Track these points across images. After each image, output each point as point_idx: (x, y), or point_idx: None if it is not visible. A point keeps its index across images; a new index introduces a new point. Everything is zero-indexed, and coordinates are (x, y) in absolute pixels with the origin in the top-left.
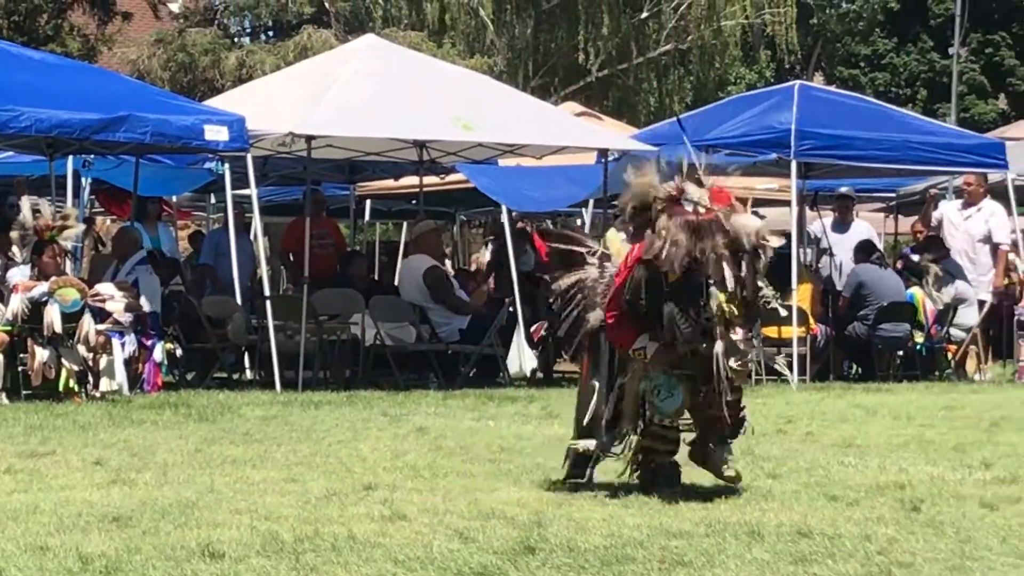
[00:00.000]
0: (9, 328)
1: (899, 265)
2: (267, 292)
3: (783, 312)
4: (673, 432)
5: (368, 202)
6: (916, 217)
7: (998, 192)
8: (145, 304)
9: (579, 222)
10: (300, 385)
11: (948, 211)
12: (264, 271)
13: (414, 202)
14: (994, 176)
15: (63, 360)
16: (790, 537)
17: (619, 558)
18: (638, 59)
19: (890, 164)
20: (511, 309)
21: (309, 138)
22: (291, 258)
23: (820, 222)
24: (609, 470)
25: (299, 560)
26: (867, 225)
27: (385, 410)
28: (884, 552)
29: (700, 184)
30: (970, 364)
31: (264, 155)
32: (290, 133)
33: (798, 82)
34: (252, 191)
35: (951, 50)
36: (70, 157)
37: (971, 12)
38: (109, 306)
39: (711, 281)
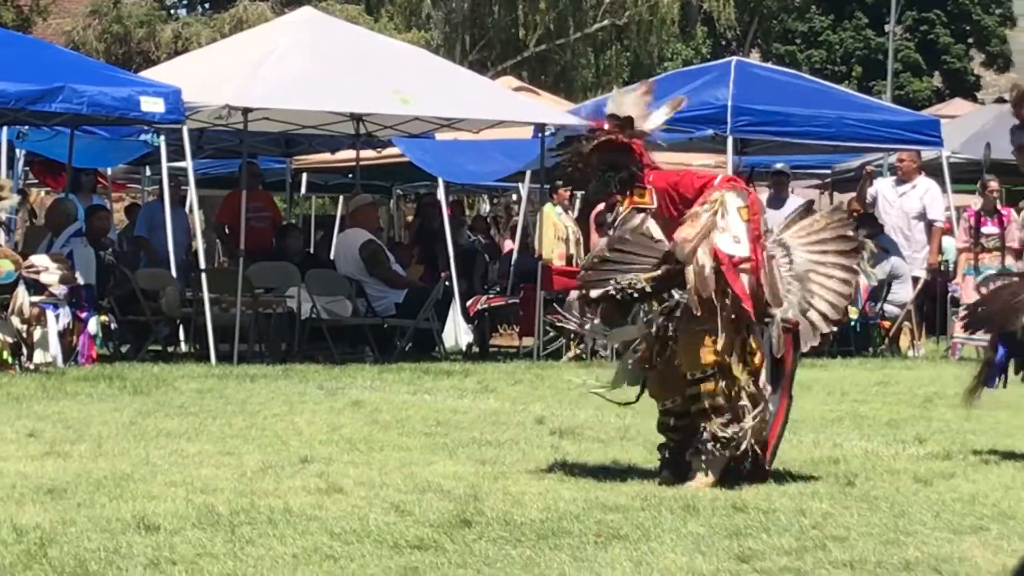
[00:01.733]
0: None
1: None
2: (202, 265)
3: None
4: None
5: (304, 175)
6: (852, 194)
7: (933, 169)
8: (79, 277)
9: (515, 197)
10: (235, 358)
11: (883, 188)
12: (200, 244)
13: (351, 176)
14: (929, 153)
15: None
16: (725, 511)
17: (555, 531)
18: (575, 34)
19: (826, 141)
20: (447, 283)
21: (245, 111)
22: (227, 231)
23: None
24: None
25: (235, 533)
26: (803, 201)
27: (321, 383)
28: (819, 526)
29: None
30: (904, 340)
31: (200, 127)
32: (226, 106)
33: (734, 58)
34: (188, 163)
35: (886, 27)
36: (4, 128)
37: None
38: (43, 278)
39: None
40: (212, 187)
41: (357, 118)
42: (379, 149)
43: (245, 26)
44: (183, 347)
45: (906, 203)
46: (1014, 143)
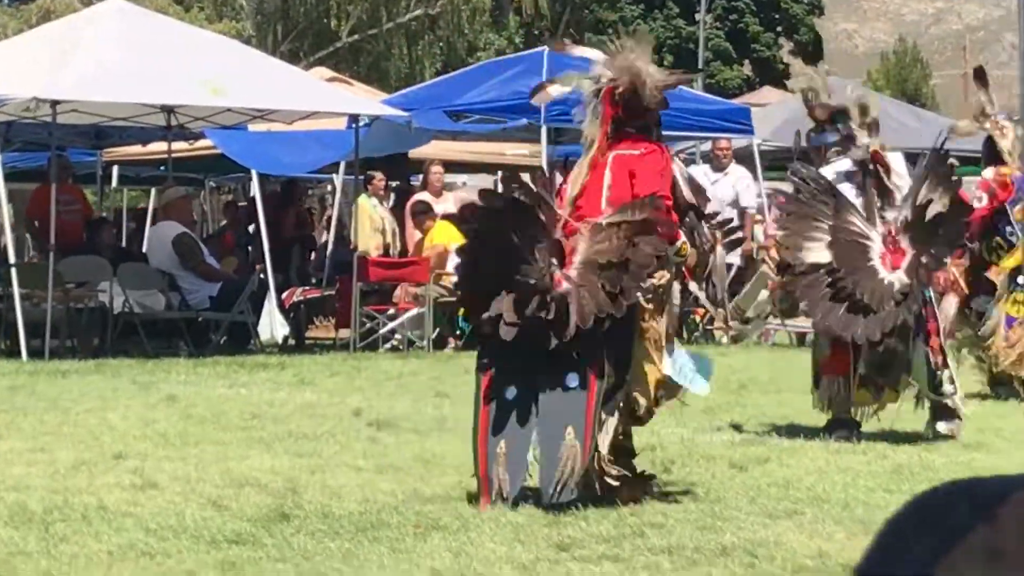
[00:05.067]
0: None
1: None
2: (12, 260)
3: None
4: None
5: (115, 168)
6: None
7: (744, 157)
8: None
9: (330, 188)
10: (47, 354)
11: (696, 176)
12: (8, 238)
13: (163, 168)
14: (740, 141)
15: None
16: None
17: (374, 524)
18: (388, 24)
19: None
20: (262, 276)
21: (54, 103)
22: (36, 225)
23: None
24: None
25: (48, 530)
26: None
27: (134, 378)
28: (636, 513)
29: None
30: (718, 326)
31: (7, 120)
32: (34, 98)
33: (547, 48)
34: None
35: (697, 16)
36: None
37: None
38: None
39: None
40: (21, 181)
41: (168, 110)
42: (191, 141)
43: (53, 17)
44: None
45: (719, 190)
46: (812, 144)
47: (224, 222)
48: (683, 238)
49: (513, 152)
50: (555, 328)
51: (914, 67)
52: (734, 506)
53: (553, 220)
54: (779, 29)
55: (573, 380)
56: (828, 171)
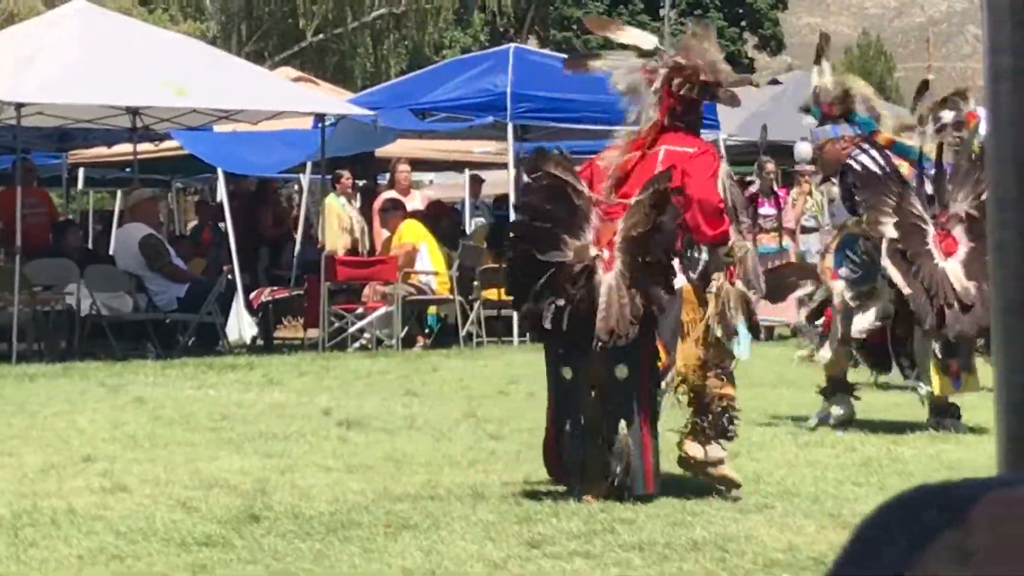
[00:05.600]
0: None
1: None
2: None
3: None
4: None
5: (81, 170)
6: None
7: None
8: None
9: (297, 187)
10: (14, 357)
11: None
12: None
13: (128, 170)
14: (706, 136)
15: None
16: (514, 497)
17: (344, 523)
18: (353, 23)
19: (605, 126)
20: (229, 276)
21: (18, 106)
22: (2, 229)
23: None
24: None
25: (18, 535)
26: None
27: (102, 381)
28: (607, 509)
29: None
30: None
31: None
32: None
33: (513, 45)
34: None
35: (661, 12)
36: None
37: None
38: None
39: None
40: None
41: (133, 111)
42: (157, 142)
43: (16, 19)
44: None
45: None
46: (816, 138)
47: (195, 222)
48: (733, 239)
49: (480, 150)
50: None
51: (878, 60)
52: (704, 501)
53: (588, 204)
54: (743, 24)
55: (623, 371)
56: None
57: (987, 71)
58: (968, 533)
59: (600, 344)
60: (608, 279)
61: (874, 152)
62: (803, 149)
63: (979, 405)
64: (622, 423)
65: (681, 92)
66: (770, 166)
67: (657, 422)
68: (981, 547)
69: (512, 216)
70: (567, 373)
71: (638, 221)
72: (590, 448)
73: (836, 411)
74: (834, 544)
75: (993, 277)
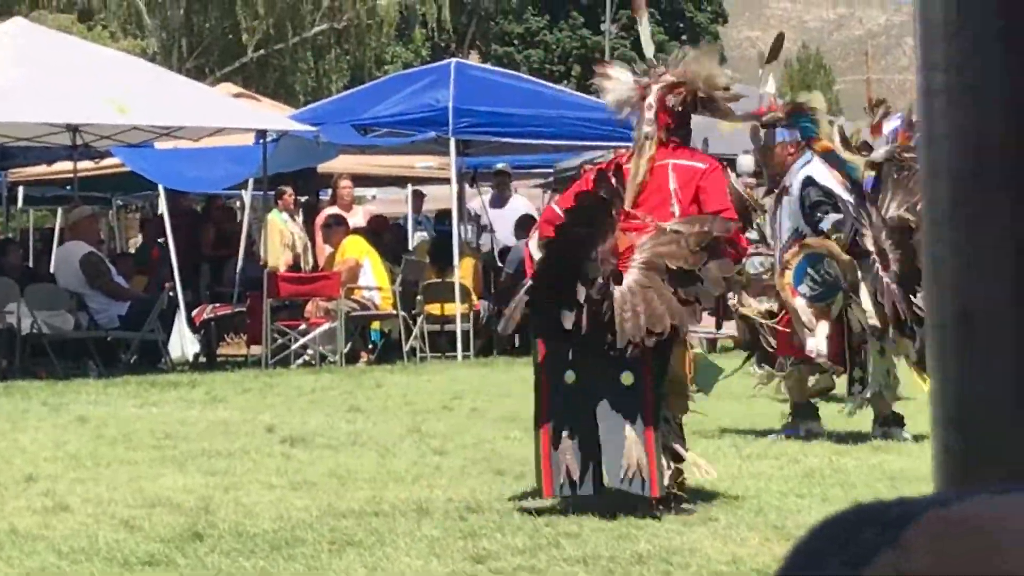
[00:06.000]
0: None
1: None
2: None
3: None
4: None
5: (21, 188)
6: None
7: None
8: None
9: (238, 204)
10: None
11: None
12: None
13: (69, 187)
14: None
15: None
16: (459, 513)
17: (289, 541)
18: (294, 39)
19: (547, 140)
20: (171, 293)
21: None
22: None
23: (480, 199)
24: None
25: None
26: (525, 201)
27: (44, 400)
28: (551, 524)
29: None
30: None
31: None
32: None
33: (454, 60)
34: None
35: (603, 27)
36: None
37: None
38: None
39: None
40: None
41: (73, 129)
42: (97, 159)
43: None
44: None
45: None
46: (766, 144)
47: (139, 239)
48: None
49: (422, 165)
50: (611, 329)
51: (818, 73)
52: (649, 514)
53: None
54: (684, 38)
55: (628, 378)
56: (797, 169)
57: (920, 87)
58: (906, 554)
59: (617, 350)
60: (625, 287)
61: (821, 163)
62: (745, 161)
63: (919, 414)
64: (627, 427)
65: (675, 107)
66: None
67: (659, 429)
68: (919, 568)
69: (458, 230)
70: (571, 378)
71: (675, 253)
72: (588, 452)
73: (805, 427)
74: (777, 556)
75: (928, 293)
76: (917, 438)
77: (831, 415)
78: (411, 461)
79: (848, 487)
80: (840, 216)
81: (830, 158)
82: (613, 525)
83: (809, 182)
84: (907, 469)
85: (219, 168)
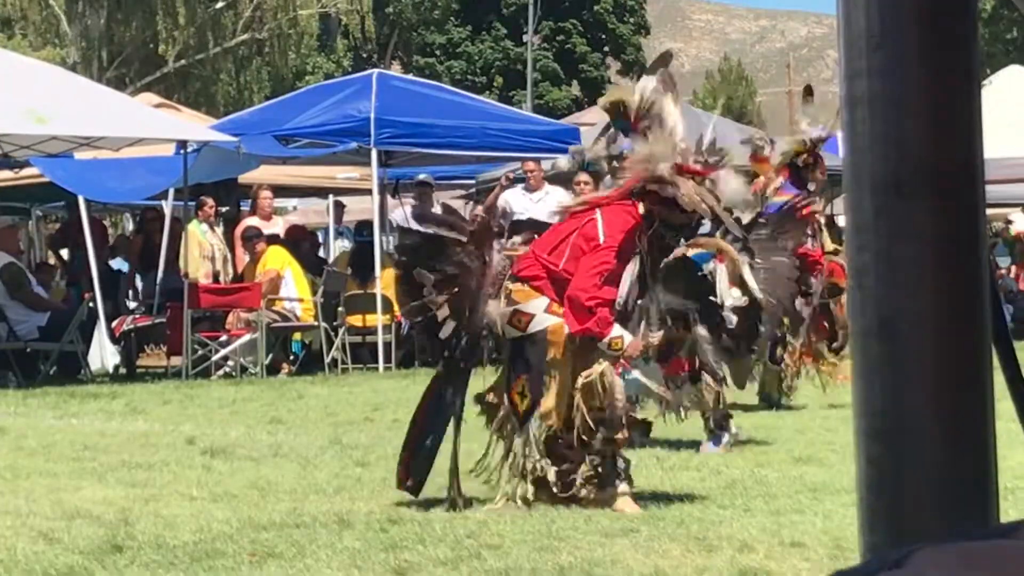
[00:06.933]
0: None
1: None
2: None
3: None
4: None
5: None
6: None
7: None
8: None
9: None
10: None
11: (512, 197)
12: None
13: None
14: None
15: None
16: (380, 524)
17: (209, 553)
18: (215, 49)
19: (469, 151)
20: (91, 305)
21: None
22: None
23: (401, 210)
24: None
25: None
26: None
27: None
28: (473, 535)
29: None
30: None
31: None
32: None
33: (376, 71)
34: None
35: (525, 38)
36: None
37: (543, 0)
38: None
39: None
40: None
41: None
42: (16, 170)
43: None
44: None
45: (544, 209)
46: (613, 151)
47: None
48: (615, 332)
49: (343, 176)
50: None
51: (739, 85)
52: (570, 526)
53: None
54: (606, 49)
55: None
56: None
57: (844, 97)
58: None
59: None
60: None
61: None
62: (562, 162)
63: (840, 427)
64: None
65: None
66: None
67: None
68: None
69: (379, 241)
70: (448, 395)
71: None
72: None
73: (726, 438)
74: (699, 567)
75: (851, 301)
76: (836, 451)
77: (755, 425)
78: (332, 473)
79: (770, 498)
80: None
81: None
82: (534, 537)
83: None
84: (829, 481)
85: (139, 178)
